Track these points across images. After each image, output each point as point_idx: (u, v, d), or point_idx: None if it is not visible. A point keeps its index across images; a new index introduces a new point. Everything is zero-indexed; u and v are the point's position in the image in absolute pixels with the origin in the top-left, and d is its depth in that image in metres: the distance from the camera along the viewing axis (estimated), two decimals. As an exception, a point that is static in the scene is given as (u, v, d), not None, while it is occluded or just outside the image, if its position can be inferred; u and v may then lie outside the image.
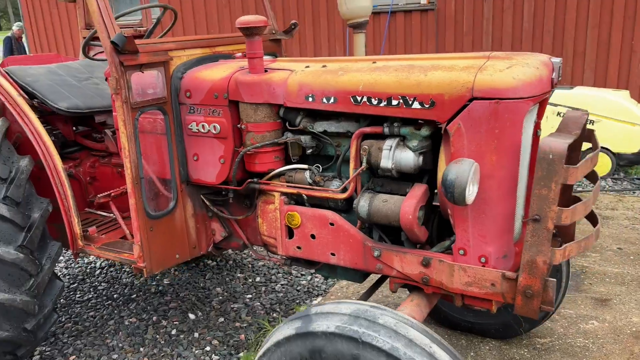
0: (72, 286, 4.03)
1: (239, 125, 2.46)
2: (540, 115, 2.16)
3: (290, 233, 2.46)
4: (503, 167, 1.94)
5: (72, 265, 4.41)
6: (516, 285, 1.94)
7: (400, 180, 2.19)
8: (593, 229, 2.10)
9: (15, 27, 12.30)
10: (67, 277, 4.19)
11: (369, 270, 2.31)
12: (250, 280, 3.99)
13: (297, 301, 3.65)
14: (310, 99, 2.25)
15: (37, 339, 2.80)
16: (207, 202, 2.73)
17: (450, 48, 7.82)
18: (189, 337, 3.28)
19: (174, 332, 3.34)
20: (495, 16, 7.55)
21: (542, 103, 2.12)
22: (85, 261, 4.46)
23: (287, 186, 2.42)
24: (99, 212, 3.23)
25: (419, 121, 2.09)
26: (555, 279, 1.89)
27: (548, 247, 1.85)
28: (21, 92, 2.90)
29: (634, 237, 4.37)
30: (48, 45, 11.61)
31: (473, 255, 2.02)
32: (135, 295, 3.83)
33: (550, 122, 4.95)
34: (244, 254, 4.39)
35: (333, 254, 2.34)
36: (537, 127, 2.16)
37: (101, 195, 2.93)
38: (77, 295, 3.89)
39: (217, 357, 3.07)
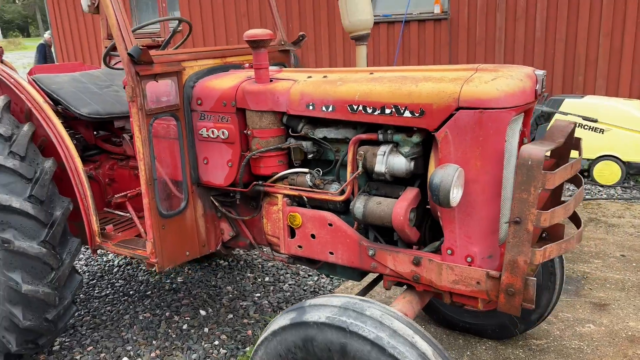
0: (91, 282, 4.25)
1: (245, 131, 2.63)
2: (526, 124, 2.29)
3: (292, 233, 2.61)
4: (487, 172, 2.06)
5: (92, 263, 4.63)
6: (499, 283, 2.06)
7: (393, 183, 2.33)
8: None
9: (46, 34, 12.86)
10: (87, 274, 4.41)
11: (364, 269, 2.44)
12: (259, 279, 4.15)
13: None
14: (311, 107, 2.41)
15: (57, 329, 2.99)
16: (216, 203, 2.89)
17: (463, 57, 7.92)
18: (199, 331, 3.45)
19: (185, 326, 3.52)
20: (508, 25, 7.63)
21: (527, 112, 2.25)
22: (104, 259, 4.68)
23: (290, 188, 2.57)
24: (116, 212, 3.42)
25: (413, 128, 2.23)
26: (535, 278, 2.01)
27: (528, 248, 1.97)
28: (47, 98, 3.09)
29: (638, 245, 4.42)
30: (74, 53, 12.02)
31: (460, 255, 2.15)
32: (150, 292, 4.02)
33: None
34: (254, 255, 4.56)
35: (331, 253, 2.49)
36: (523, 135, 2.29)
37: (118, 195, 3.12)
38: (96, 291, 4.10)
39: (224, 351, 3.23)
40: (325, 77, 2.49)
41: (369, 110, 2.25)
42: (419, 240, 2.34)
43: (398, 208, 2.19)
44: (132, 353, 3.26)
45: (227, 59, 2.97)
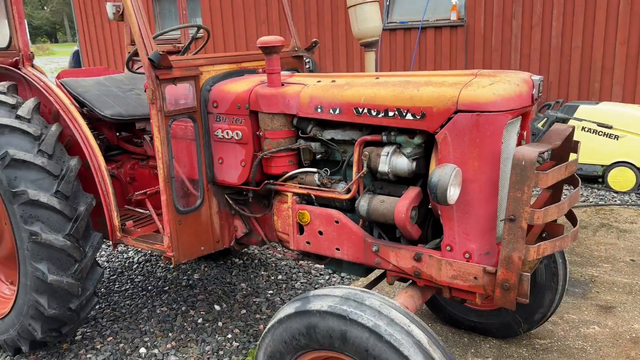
0: (111, 278, 4.43)
1: (258, 133, 2.77)
2: (523, 127, 2.38)
3: (301, 230, 2.74)
4: (484, 172, 2.17)
5: (113, 259, 4.82)
6: (495, 278, 2.16)
7: (396, 183, 2.45)
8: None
9: None
10: (108, 269, 4.60)
11: (369, 264, 2.56)
12: (272, 277, 4.29)
13: (314, 298, 3.91)
14: (319, 110, 2.54)
15: (79, 318, 3.16)
16: (231, 201, 3.04)
17: (479, 63, 7.99)
18: (213, 325, 3.60)
19: (200, 320, 3.67)
20: (524, 32, 7.68)
21: (524, 116, 2.35)
22: (125, 256, 4.87)
23: (299, 187, 2.71)
24: (136, 209, 3.59)
25: (415, 130, 2.35)
26: (529, 274, 2.10)
27: (522, 245, 2.07)
28: (73, 101, 3.27)
29: (648, 250, 4.44)
30: (100, 58, 12.39)
31: (458, 251, 2.26)
32: (167, 288, 4.19)
33: (576, 137, 5.06)
34: (269, 253, 4.70)
35: (338, 249, 2.61)
36: (521, 137, 2.38)
37: (138, 193, 3.29)
38: (116, 286, 4.28)
39: (237, 344, 3.37)
40: (333, 81, 2.62)
41: (374, 113, 2.37)
42: (420, 237, 2.45)
43: (400, 206, 2.31)
44: (149, 344, 3.41)
45: (242, 64, 3.12)
